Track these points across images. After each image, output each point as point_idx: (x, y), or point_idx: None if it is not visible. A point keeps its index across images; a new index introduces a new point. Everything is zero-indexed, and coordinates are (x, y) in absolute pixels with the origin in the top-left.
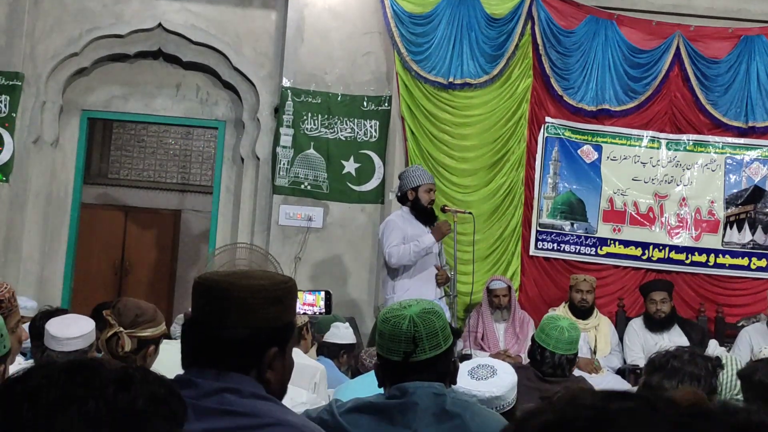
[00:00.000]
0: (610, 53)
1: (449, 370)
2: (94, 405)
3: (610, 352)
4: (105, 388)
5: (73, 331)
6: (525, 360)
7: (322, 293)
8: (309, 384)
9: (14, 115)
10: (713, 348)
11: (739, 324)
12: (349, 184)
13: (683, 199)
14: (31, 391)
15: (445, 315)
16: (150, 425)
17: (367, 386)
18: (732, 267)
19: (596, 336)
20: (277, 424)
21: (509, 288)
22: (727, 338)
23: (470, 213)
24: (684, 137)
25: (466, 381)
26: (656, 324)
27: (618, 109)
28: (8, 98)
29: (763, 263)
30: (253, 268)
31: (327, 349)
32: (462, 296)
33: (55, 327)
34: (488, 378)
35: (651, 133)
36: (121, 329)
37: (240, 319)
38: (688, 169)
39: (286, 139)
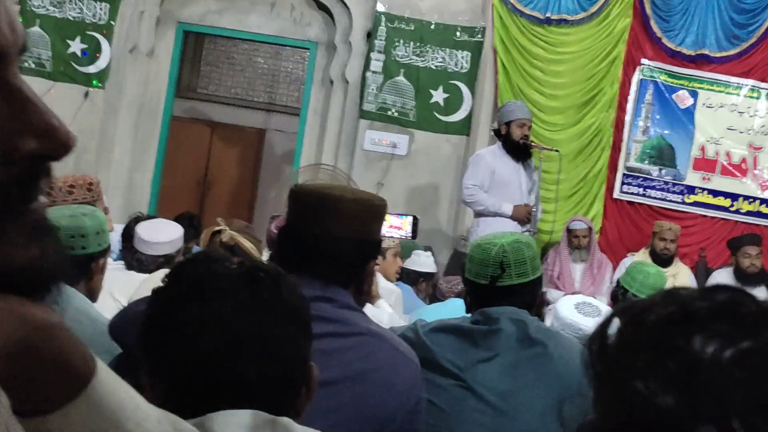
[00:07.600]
0: None
1: (535, 302)
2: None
3: None
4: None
5: (162, 236)
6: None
7: (410, 218)
8: None
9: (113, 23)
10: None
11: None
12: (436, 114)
13: None
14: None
15: (536, 248)
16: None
17: (443, 314)
18: None
19: (674, 285)
20: (366, 333)
21: (590, 229)
22: None
23: (557, 151)
24: None
25: (572, 314)
26: (747, 279)
27: (718, 55)
28: (108, 6)
29: None
30: None
31: (407, 276)
32: (542, 234)
33: (145, 231)
34: (595, 316)
35: (751, 81)
36: (227, 228)
37: (348, 230)
38: None
39: (376, 65)
